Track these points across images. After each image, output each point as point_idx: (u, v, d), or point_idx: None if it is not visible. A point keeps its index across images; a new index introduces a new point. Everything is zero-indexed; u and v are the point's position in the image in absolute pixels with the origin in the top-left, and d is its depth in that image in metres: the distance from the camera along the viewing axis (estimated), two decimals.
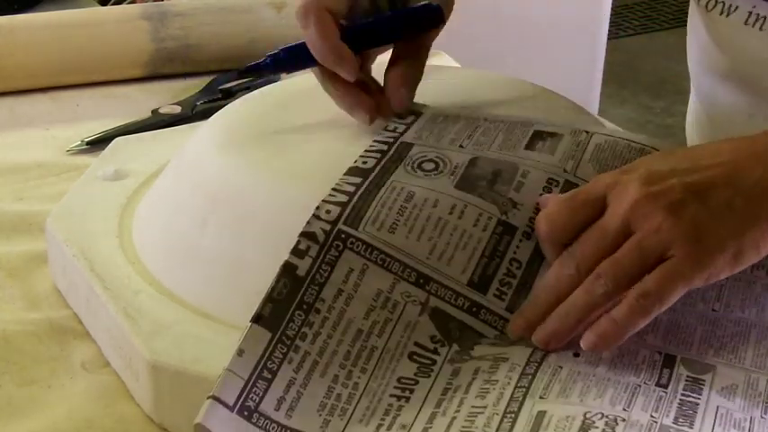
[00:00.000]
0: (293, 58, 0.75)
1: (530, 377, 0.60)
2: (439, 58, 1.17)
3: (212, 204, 0.72)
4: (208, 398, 0.58)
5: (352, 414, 0.60)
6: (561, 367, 0.60)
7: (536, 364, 0.61)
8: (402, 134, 0.72)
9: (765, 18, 0.85)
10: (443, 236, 0.65)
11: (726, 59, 0.91)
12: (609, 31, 2.51)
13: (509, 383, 0.60)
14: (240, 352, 0.60)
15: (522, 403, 0.58)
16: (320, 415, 0.59)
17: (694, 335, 0.64)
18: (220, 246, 0.70)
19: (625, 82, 3.17)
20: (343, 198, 0.66)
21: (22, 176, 0.93)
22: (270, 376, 0.60)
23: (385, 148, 0.71)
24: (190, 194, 0.74)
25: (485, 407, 0.58)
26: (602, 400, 0.58)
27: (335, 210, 0.65)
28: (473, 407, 0.59)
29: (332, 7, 0.73)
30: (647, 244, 0.61)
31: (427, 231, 0.65)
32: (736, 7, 0.87)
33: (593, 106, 2.44)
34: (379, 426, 0.59)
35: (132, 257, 0.74)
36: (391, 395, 0.61)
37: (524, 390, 0.59)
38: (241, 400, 0.58)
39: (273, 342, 0.60)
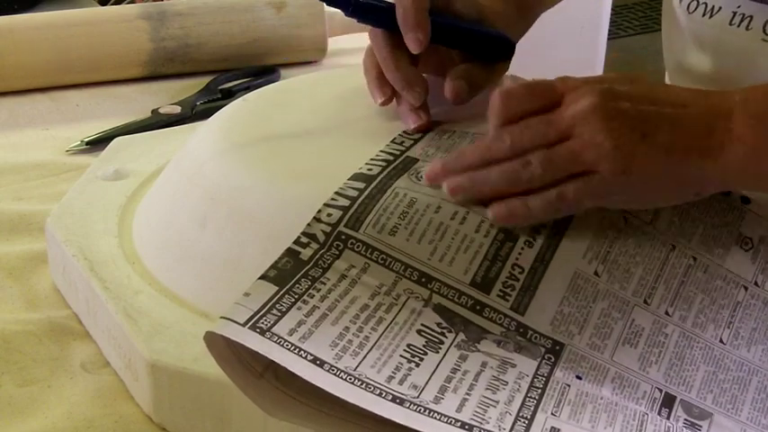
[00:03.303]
0: (372, 10, 0.76)
1: (539, 391, 0.60)
2: None
3: (212, 204, 0.72)
4: (220, 318, 0.57)
5: (363, 358, 0.59)
6: (569, 386, 0.60)
7: (543, 379, 0.61)
8: (408, 148, 0.72)
9: (752, 17, 0.85)
10: (444, 239, 0.65)
11: (707, 61, 0.90)
12: (609, 31, 2.51)
13: (519, 390, 0.60)
14: (246, 294, 0.59)
15: (534, 412, 0.58)
16: (332, 350, 0.59)
17: (696, 374, 0.64)
18: (220, 246, 0.70)
19: None
20: (346, 202, 0.66)
21: (22, 176, 0.93)
22: (279, 314, 0.59)
23: (391, 158, 0.71)
24: (189, 194, 0.74)
25: (496, 402, 0.58)
26: (613, 429, 0.58)
27: (337, 213, 0.65)
28: (484, 397, 0.59)
29: None
30: (583, 154, 0.63)
31: (428, 235, 0.65)
32: (720, 8, 0.86)
33: None
34: (391, 378, 0.58)
35: (132, 257, 0.74)
36: (401, 356, 0.60)
37: (535, 401, 0.59)
38: (252, 321, 0.58)
39: (281, 293, 0.60)
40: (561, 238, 0.66)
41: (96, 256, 0.74)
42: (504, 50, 0.80)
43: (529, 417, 0.58)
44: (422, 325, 0.62)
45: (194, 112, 1.04)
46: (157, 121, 1.02)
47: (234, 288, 0.68)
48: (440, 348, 0.61)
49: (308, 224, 0.64)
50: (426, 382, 0.59)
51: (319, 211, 0.65)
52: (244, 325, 0.57)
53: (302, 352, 0.57)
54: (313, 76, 0.89)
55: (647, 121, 0.64)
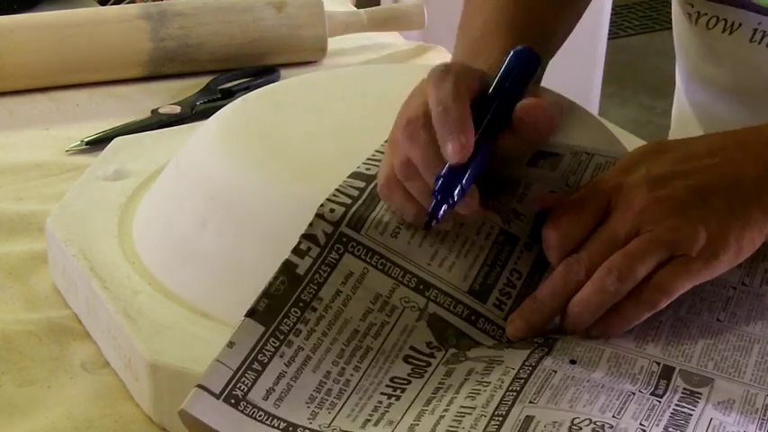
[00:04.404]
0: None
1: (522, 381, 0.59)
2: (440, 55, 1.17)
3: (212, 204, 0.72)
4: (194, 387, 0.58)
5: (340, 409, 0.60)
6: (555, 372, 0.60)
7: (530, 368, 0.60)
8: None
9: None
10: (445, 242, 0.65)
11: (727, 74, 0.90)
12: (609, 31, 2.51)
13: (500, 386, 0.59)
14: (231, 344, 0.60)
15: (511, 406, 0.58)
16: (308, 407, 0.59)
17: (695, 347, 0.63)
18: (220, 246, 0.70)
19: (625, 82, 3.17)
20: (347, 200, 0.66)
21: (22, 176, 0.93)
22: (260, 368, 0.60)
23: None
24: (189, 194, 0.74)
25: (473, 408, 0.58)
26: (593, 406, 0.57)
27: (340, 210, 0.65)
28: (462, 407, 0.59)
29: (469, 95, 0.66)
30: (662, 240, 0.62)
31: (429, 237, 0.65)
32: (740, 24, 0.86)
33: (594, 106, 2.43)
34: (366, 421, 0.59)
35: (132, 257, 0.74)
36: (382, 393, 0.61)
37: (515, 394, 0.59)
38: (228, 388, 0.58)
39: (266, 336, 0.61)
40: None
41: (96, 256, 0.74)
42: (529, 68, 0.71)
43: (504, 413, 0.57)
44: (410, 348, 0.62)
45: (194, 112, 1.04)
46: (157, 121, 1.02)
47: (234, 288, 0.68)
48: (425, 372, 0.62)
49: (311, 223, 0.64)
50: (404, 414, 0.59)
51: (322, 206, 0.65)
52: (219, 396, 0.58)
53: (275, 420, 0.58)
54: (313, 76, 0.89)
55: (702, 190, 0.63)
